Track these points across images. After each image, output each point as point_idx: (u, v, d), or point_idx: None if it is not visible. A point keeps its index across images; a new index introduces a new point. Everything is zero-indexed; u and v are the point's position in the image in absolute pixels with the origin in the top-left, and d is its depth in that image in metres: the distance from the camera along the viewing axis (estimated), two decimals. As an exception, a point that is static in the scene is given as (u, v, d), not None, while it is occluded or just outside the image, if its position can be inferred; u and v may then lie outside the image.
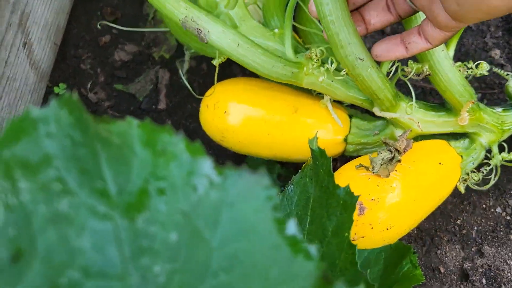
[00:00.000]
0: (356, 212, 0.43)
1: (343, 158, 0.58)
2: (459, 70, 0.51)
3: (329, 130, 0.54)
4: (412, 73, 0.48)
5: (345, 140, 0.54)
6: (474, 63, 0.50)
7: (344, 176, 0.48)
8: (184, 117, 0.64)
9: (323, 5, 0.42)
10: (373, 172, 0.45)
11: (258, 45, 0.50)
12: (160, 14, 0.69)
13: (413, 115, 0.51)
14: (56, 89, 0.65)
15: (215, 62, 0.53)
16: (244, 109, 0.53)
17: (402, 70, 0.50)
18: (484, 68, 0.50)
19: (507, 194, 0.59)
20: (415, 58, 0.50)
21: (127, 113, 0.64)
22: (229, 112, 0.52)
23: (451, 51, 0.52)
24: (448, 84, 0.50)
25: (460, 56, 0.65)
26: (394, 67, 0.50)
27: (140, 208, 0.22)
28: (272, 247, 0.22)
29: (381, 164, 0.44)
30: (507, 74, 0.56)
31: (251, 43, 0.49)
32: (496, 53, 0.65)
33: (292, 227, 0.23)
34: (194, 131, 0.63)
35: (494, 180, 0.53)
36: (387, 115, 0.51)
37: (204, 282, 0.22)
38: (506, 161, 0.53)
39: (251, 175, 0.23)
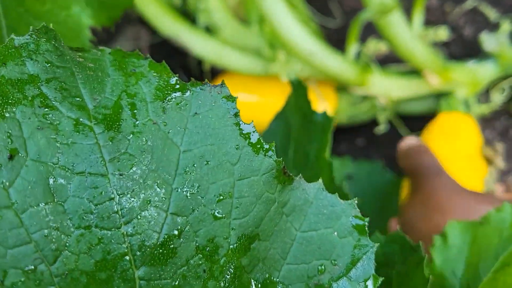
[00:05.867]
0: None
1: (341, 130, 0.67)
2: (422, 37, 0.59)
3: (319, 106, 0.62)
4: (372, 52, 0.57)
5: (337, 113, 0.62)
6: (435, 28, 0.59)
7: None
8: (169, 57, 0.71)
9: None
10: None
11: (238, 49, 0.59)
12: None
13: (385, 85, 0.59)
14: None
15: (204, 69, 0.63)
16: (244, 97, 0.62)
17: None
18: (442, 34, 0.58)
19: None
20: (376, 33, 0.58)
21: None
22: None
23: (417, 19, 0.60)
24: (411, 54, 0.57)
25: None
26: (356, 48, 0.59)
27: (115, 119, 0.27)
28: (234, 147, 0.28)
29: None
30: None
31: (231, 49, 0.59)
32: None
33: (252, 129, 0.28)
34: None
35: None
36: (359, 90, 0.58)
37: (176, 179, 0.27)
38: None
39: (213, 87, 0.28)
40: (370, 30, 0.71)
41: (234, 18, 0.62)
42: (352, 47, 0.59)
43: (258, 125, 0.56)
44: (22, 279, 0.24)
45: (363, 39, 0.70)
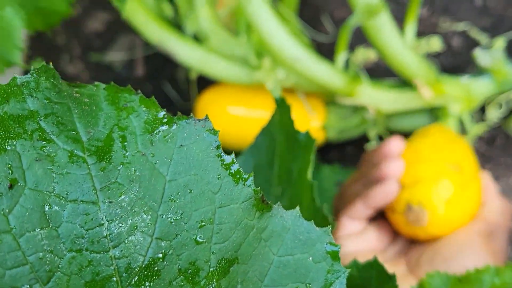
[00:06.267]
0: None
1: (332, 147, 0.68)
2: (414, 48, 0.59)
3: (307, 119, 0.62)
4: (361, 61, 0.57)
5: (325, 127, 0.63)
6: (428, 39, 0.60)
7: None
8: (163, 81, 0.73)
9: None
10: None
11: (224, 57, 0.60)
12: None
13: (375, 96, 0.59)
14: (34, 64, 0.74)
15: (191, 77, 0.65)
16: (233, 110, 0.63)
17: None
18: (436, 45, 0.59)
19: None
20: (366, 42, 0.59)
21: (107, 82, 0.73)
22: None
23: (410, 28, 0.60)
24: (402, 65, 0.58)
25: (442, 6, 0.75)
26: (344, 57, 0.60)
27: (106, 151, 0.30)
28: (216, 177, 0.30)
29: None
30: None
31: (217, 57, 0.60)
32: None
33: (232, 160, 0.30)
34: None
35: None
36: (347, 101, 0.59)
37: (161, 206, 0.30)
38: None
39: (197, 121, 0.31)
40: (362, 41, 0.73)
41: (223, 28, 0.64)
42: (341, 56, 0.60)
43: (247, 136, 0.57)
44: (18, 298, 0.27)
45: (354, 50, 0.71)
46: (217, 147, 0.31)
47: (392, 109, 0.61)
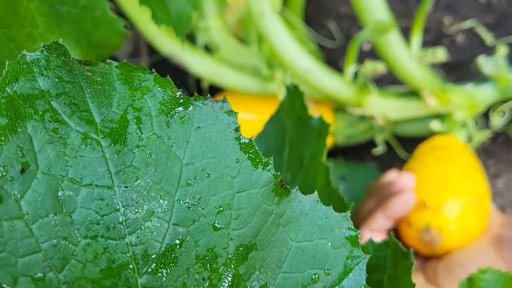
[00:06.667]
0: None
1: (338, 150, 0.68)
2: (420, 58, 0.59)
3: None
4: (369, 72, 0.57)
5: (333, 133, 0.63)
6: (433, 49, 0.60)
7: None
8: (168, 74, 0.73)
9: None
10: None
11: (236, 68, 0.60)
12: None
13: (382, 105, 0.60)
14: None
15: (203, 86, 0.65)
16: (242, 116, 0.63)
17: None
18: (440, 55, 0.59)
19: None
20: (374, 55, 0.59)
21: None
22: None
23: (416, 40, 0.60)
24: (409, 75, 0.58)
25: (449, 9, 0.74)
26: (354, 68, 0.60)
27: (121, 133, 0.28)
28: (234, 161, 0.29)
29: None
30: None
31: (228, 68, 0.60)
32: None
33: (251, 143, 0.29)
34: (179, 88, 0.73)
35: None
36: (356, 110, 0.59)
37: (178, 191, 0.28)
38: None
39: (215, 102, 0.30)
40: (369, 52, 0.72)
41: (233, 38, 0.64)
42: (350, 67, 0.60)
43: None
44: (32, 286, 0.26)
45: (361, 59, 0.71)
46: (236, 130, 0.29)
47: (399, 117, 0.62)
